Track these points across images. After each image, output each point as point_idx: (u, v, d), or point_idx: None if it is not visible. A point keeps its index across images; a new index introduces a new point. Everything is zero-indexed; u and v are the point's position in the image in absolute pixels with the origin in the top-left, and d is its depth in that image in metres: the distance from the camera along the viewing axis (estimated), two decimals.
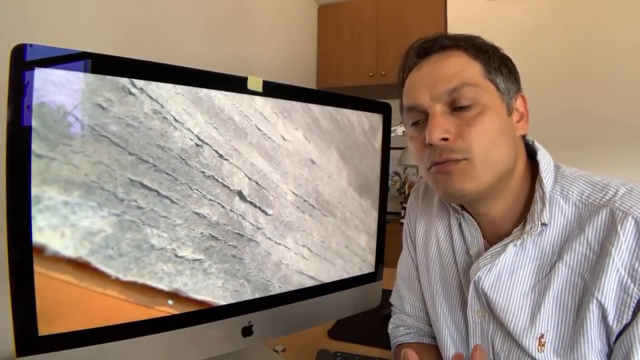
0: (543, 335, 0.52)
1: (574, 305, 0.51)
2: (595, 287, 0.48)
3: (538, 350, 0.52)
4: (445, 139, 0.52)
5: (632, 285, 0.46)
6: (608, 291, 0.47)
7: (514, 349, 0.55)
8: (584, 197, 0.53)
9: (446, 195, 0.56)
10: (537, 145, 0.58)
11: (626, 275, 0.47)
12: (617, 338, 0.48)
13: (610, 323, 0.47)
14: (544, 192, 0.53)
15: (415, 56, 0.58)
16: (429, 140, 0.52)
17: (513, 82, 0.57)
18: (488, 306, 0.58)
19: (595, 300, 0.48)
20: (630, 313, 0.46)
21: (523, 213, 0.56)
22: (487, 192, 0.54)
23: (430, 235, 0.69)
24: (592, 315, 0.48)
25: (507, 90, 0.55)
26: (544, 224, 0.53)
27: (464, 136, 0.51)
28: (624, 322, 0.47)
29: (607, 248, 0.48)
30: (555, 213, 0.54)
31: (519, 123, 0.57)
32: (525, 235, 0.54)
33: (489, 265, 0.57)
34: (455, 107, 0.53)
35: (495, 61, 0.55)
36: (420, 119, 0.56)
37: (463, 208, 0.62)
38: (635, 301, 0.46)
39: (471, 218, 0.60)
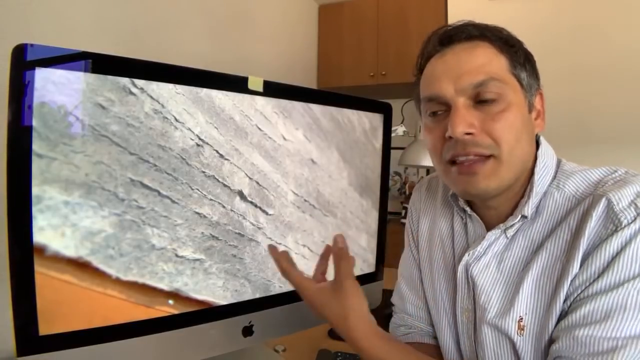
0: (522, 319, 0.52)
1: (551, 290, 0.51)
2: (571, 267, 0.48)
3: (518, 334, 0.52)
4: (469, 134, 0.51)
5: (590, 260, 0.47)
6: (579, 265, 0.48)
7: (496, 335, 0.55)
8: (578, 193, 0.53)
9: (465, 194, 0.56)
10: (542, 140, 0.58)
11: (589, 251, 0.47)
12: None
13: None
14: (531, 188, 0.54)
15: (438, 43, 0.56)
16: (452, 133, 0.51)
17: (535, 78, 0.56)
18: (474, 296, 0.58)
19: (569, 281, 0.48)
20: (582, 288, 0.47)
21: None
22: (506, 189, 0.54)
23: (434, 234, 0.69)
24: (564, 294, 0.49)
25: (529, 87, 0.55)
26: (524, 216, 0.54)
27: (488, 131, 0.51)
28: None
29: (583, 229, 0.48)
30: (549, 205, 0.54)
31: (536, 121, 0.57)
32: (503, 226, 0.55)
33: (474, 251, 0.57)
34: (479, 101, 0.52)
35: (520, 56, 0.55)
36: (440, 110, 0.55)
37: (471, 207, 0.62)
38: (588, 278, 0.47)
39: (479, 219, 0.60)
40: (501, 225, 0.55)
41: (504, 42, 0.54)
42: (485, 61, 0.52)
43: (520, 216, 0.54)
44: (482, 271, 0.57)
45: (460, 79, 0.52)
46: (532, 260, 0.53)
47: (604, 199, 0.47)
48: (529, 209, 0.53)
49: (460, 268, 0.59)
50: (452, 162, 0.53)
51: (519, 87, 0.54)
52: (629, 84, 2.00)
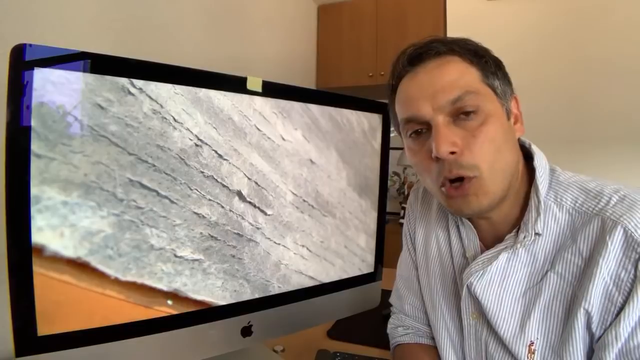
0: (533, 343, 0.52)
1: (563, 314, 0.51)
2: (583, 296, 0.48)
3: (528, 358, 0.52)
4: (453, 152, 0.51)
5: (616, 294, 0.47)
6: (594, 300, 0.47)
7: (505, 354, 0.55)
8: (577, 204, 0.52)
9: (460, 214, 0.56)
10: (534, 148, 0.58)
11: (612, 284, 0.47)
12: (597, 342, 0.48)
13: (594, 330, 0.48)
14: (539, 201, 0.53)
15: (408, 63, 0.56)
16: (437, 154, 0.50)
17: (507, 84, 0.56)
18: (480, 311, 0.58)
19: (582, 310, 0.48)
20: (612, 320, 0.47)
21: (519, 217, 0.56)
22: (499, 202, 0.54)
23: (430, 237, 0.69)
24: (579, 324, 0.48)
25: (504, 94, 0.55)
26: (537, 234, 0.53)
27: (470, 148, 0.51)
28: (605, 328, 0.47)
29: (596, 258, 0.48)
30: (549, 221, 0.53)
31: (515, 125, 0.57)
32: (518, 245, 0.54)
33: (481, 272, 0.57)
34: (458, 116, 0.52)
35: (491, 65, 0.54)
36: (421, 130, 0.55)
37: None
38: (618, 309, 0.47)
39: (469, 222, 0.60)
40: (517, 245, 0.54)
41: (473, 54, 0.54)
42: (458, 76, 0.52)
43: (534, 234, 0.53)
44: (486, 290, 0.57)
45: (436, 97, 0.52)
46: (542, 282, 0.53)
47: (619, 228, 0.47)
48: (540, 225, 0.53)
49: (465, 288, 0.59)
50: (443, 184, 0.53)
51: (494, 96, 0.54)
52: (629, 82, 2.00)
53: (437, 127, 0.51)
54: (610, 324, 0.47)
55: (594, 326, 0.48)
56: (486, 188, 0.51)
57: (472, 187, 0.51)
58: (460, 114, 0.51)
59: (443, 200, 0.56)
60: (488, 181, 0.51)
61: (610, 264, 0.47)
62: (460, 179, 0.51)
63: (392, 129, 0.81)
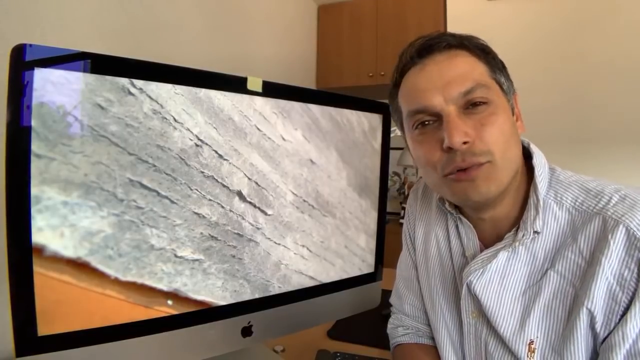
0: (533, 342, 0.52)
1: (564, 313, 0.51)
2: (585, 295, 0.48)
3: (528, 357, 0.52)
4: (465, 142, 0.50)
5: (620, 293, 0.46)
6: (597, 299, 0.47)
7: (505, 353, 0.55)
8: (577, 203, 0.52)
9: (466, 201, 0.55)
10: (533, 148, 0.58)
11: (615, 284, 0.47)
12: (602, 343, 0.48)
13: (598, 330, 0.48)
14: (538, 199, 0.53)
15: (416, 54, 0.55)
16: (450, 144, 0.50)
17: (510, 82, 0.57)
18: (480, 309, 0.58)
19: (585, 309, 0.48)
20: (617, 320, 0.47)
21: (518, 216, 0.56)
22: (503, 194, 0.53)
23: (430, 237, 0.69)
24: (582, 324, 0.48)
25: (509, 91, 0.56)
26: (536, 232, 0.53)
27: (482, 137, 0.50)
28: (611, 329, 0.47)
29: (598, 257, 0.48)
30: (549, 219, 0.53)
31: (517, 122, 0.57)
32: (517, 243, 0.54)
33: (481, 270, 0.57)
34: (468, 108, 0.52)
35: (498, 62, 0.56)
36: (429, 121, 0.54)
37: (459, 211, 0.62)
38: (623, 309, 0.46)
39: (467, 221, 0.60)
40: (516, 243, 0.54)
41: (481, 49, 0.55)
42: (468, 69, 0.53)
43: (533, 232, 0.53)
44: (485, 288, 0.57)
45: (447, 89, 0.51)
46: (542, 281, 0.53)
47: (621, 227, 0.47)
48: (539, 223, 0.53)
49: (464, 286, 0.59)
50: (452, 172, 0.52)
51: (500, 92, 0.54)
52: (629, 81, 2.00)
53: (450, 118, 0.51)
54: (616, 325, 0.46)
55: (597, 326, 0.48)
56: (496, 174, 0.51)
57: (482, 172, 0.51)
58: (469, 105, 0.52)
59: (447, 190, 0.55)
60: (499, 167, 0.51)
61: (612, 263, 0.47)
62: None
63: (392, 128, 0.81)
